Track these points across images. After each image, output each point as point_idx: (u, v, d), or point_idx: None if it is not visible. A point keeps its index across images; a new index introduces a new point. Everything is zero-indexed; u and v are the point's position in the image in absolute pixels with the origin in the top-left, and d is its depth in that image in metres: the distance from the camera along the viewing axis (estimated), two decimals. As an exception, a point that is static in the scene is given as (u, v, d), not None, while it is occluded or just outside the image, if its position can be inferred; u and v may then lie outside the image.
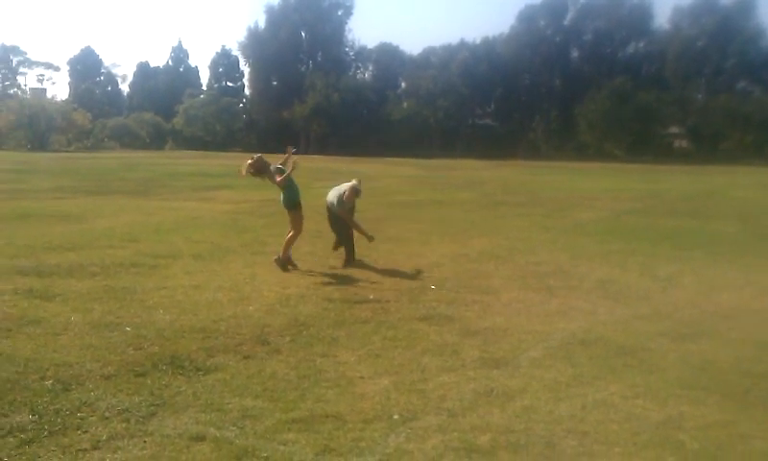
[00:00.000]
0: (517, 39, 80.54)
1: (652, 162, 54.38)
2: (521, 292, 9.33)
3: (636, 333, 7.36)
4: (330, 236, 11.97)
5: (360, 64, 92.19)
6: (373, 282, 9.74)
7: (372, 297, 8.78)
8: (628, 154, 66.58)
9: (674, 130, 75.07)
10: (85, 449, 4.33)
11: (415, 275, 10.33)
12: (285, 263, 10.40)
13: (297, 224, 10.69)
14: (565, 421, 4.98)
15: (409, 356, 6.36)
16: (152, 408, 4.97)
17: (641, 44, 79.42)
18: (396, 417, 4.94)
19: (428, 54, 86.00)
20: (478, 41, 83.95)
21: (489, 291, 9.32)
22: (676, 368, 6.23)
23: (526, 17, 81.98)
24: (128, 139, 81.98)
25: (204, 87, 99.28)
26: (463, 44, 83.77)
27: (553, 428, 4.85)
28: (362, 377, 5.77)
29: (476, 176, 38.55)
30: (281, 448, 4.41)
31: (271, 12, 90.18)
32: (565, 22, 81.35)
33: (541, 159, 61.51)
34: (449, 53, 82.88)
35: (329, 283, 9.64)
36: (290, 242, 10.61)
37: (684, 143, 74.68)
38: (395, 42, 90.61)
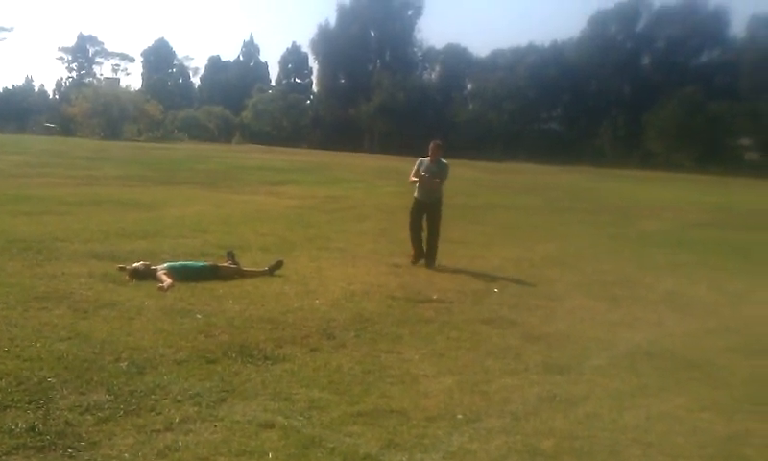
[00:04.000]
0: (587, 44, 79.40)
1: (721, 174, 53.03)
2: (585, 300, 9.27)
3: (704, 347, 7.27)
4: (393, 235, 12.05)
5: (427, 65, 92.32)
6: (436, 283, 9.79)
7: (435, 297, 8.84)
8: (697, 164, 64.81)
9: (745, 141, 72.85)
10: (159, 431, 4.46)
11: (478, 277, 10.35)
12: None
13: None
14: (630, 430, 4.96)
15: (472, 358, 6.40)
16: (222, 394, 5.10)
17: (715, 53, 77.26)
18: (459, 416, 4.99)
19: (496, 56, 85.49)
20: (547, 45, 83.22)
21: (552, 297, 9.30)
22: (744, 384, 6.15)
23: (597, 22, 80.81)
24: (197, 131, 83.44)
25: (273, 83, 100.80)
26: (531, 47, 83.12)
27: (617, 437, 4.84)
28: (425, 376, 5.84)
29: (540, 180, 38.26)
30: (347, 439, 4.49)
31: (342, 10, 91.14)
32: (638, 28, 79.94)
33: (607, 166, 60.52)
34: (517, 56, 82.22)
35: (392, 281, 9.71)
36: None
37: (756, 155, 72.37)
38: (463, 44, 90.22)
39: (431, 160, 11.77)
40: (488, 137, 78.21)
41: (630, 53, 78.75)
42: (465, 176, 38.47)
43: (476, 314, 8.08)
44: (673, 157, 68.55)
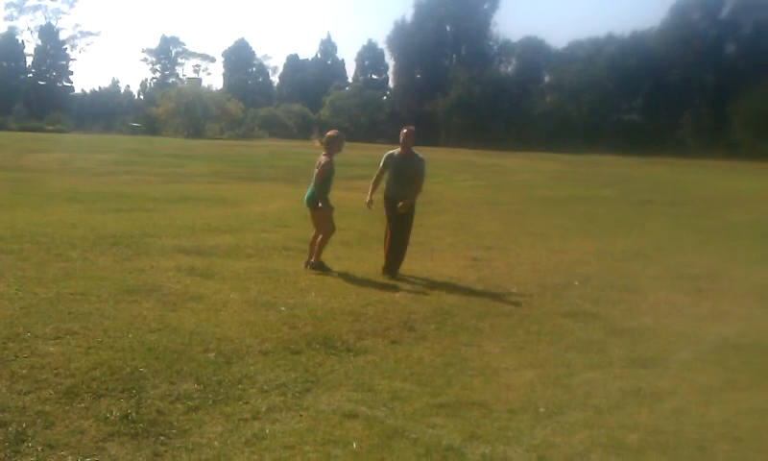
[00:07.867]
0: (669, 33, 76.80)
1: (813, 164, 50.67)
2: (670, 293, 9.06)
3: (796, 341, 7.02)
4: (472, 229, 11.94)
5: (503, 58, 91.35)
6: (516, 276, 9.74)
7: (515, 290, 8.80)
8: (785, 154, 62.09)
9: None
10: (246, 419, 4.58)
11: (558, 270, 10.24)
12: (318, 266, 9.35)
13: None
14: (717, 425, 4.85)
15: (553, 351, 6.35)
16: (307, 384, 5.22)
17: (806, 39, 73.64)
18: (541, 410, 4.96)
19: (574, 47, 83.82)
20: (627, 35, 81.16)
21: (635, 290, 9.12)
22: (840, 380, 5.91)
23: (679, 10, 77.99)
24: (276, 129, 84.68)
25: (350, 80, 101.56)
26: (610, 38, 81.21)
27: (704, 432, 4.73)
28: (507, 369, 5.83)
29: (621, 173, 37.41)
30: (430, 430, 4.53)
31: (419, 6, 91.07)
32: (721, 15, 76.84)
33: (690, 157, 58.74)
34: (596, 46, 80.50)
35: (472, 275, 9.71)
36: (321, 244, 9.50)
37: None
38: (539, 36, 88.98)
39: (402, 153, 9.48)
40: (566, 130, 76.69)
41: (713, 41, 75.58)
42: (543, 169, 38.04)
43: (557, 307, 8.01)
44: (760, 146, 65.78)
